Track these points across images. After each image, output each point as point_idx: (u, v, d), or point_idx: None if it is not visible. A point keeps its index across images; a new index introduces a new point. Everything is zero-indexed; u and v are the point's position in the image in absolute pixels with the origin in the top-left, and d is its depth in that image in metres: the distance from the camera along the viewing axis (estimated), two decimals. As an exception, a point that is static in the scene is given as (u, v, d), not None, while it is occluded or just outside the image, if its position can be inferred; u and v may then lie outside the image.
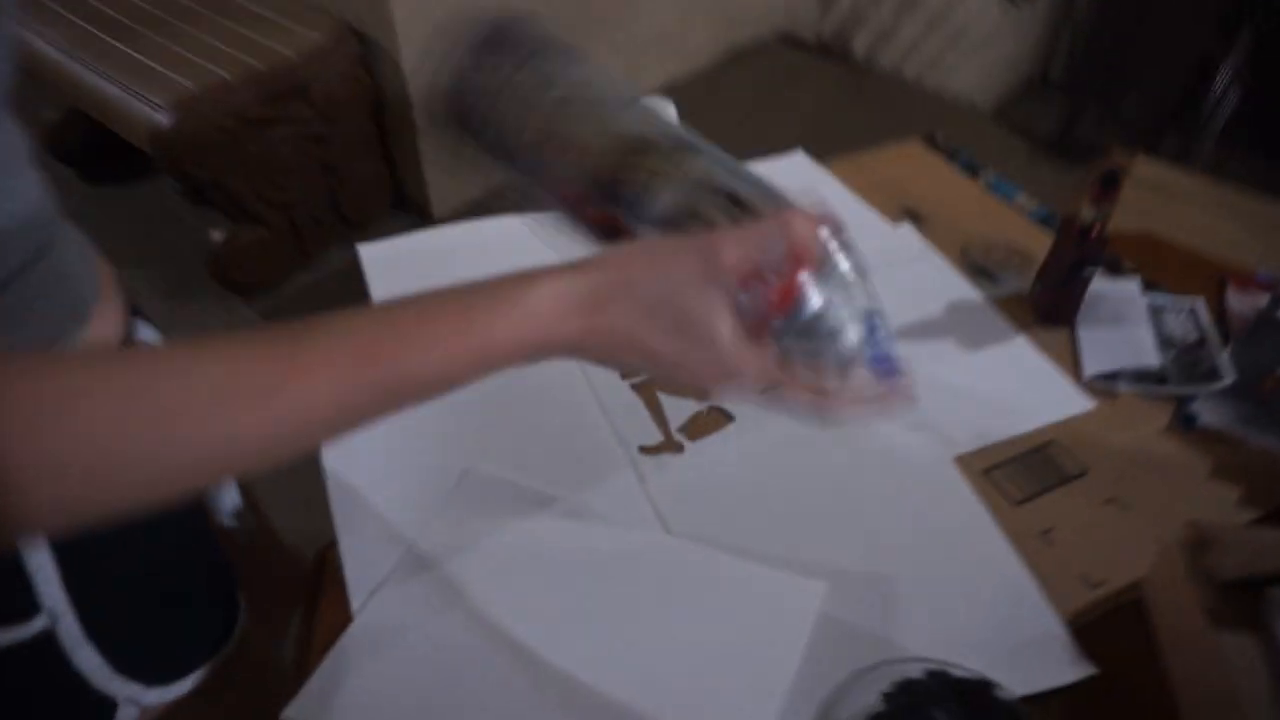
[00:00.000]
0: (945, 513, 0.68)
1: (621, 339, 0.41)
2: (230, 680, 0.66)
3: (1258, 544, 0.60)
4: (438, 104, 0.47)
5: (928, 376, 0.80)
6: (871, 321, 0.45)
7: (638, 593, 0.63)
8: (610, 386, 0.78)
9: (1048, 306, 0.84)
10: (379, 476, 0.71)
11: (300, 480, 0.67)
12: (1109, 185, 0.76)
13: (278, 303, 2.05)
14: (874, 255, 0.90)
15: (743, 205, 0.43)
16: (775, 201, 0.44)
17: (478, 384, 0.40)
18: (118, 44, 1.88)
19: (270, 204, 1.96)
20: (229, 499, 0.67)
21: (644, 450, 0.73)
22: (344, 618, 0.62)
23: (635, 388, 0.78)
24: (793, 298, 0.42)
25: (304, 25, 1.94)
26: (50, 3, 2.00)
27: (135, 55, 1.85)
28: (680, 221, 0.44)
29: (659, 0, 2.53)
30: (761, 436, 0.74)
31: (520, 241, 0.94)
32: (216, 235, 1.96)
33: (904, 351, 0.72)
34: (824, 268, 0.43)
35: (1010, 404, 0.77)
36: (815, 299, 0.43)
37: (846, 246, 0.45)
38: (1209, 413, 0.74)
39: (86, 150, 2.29)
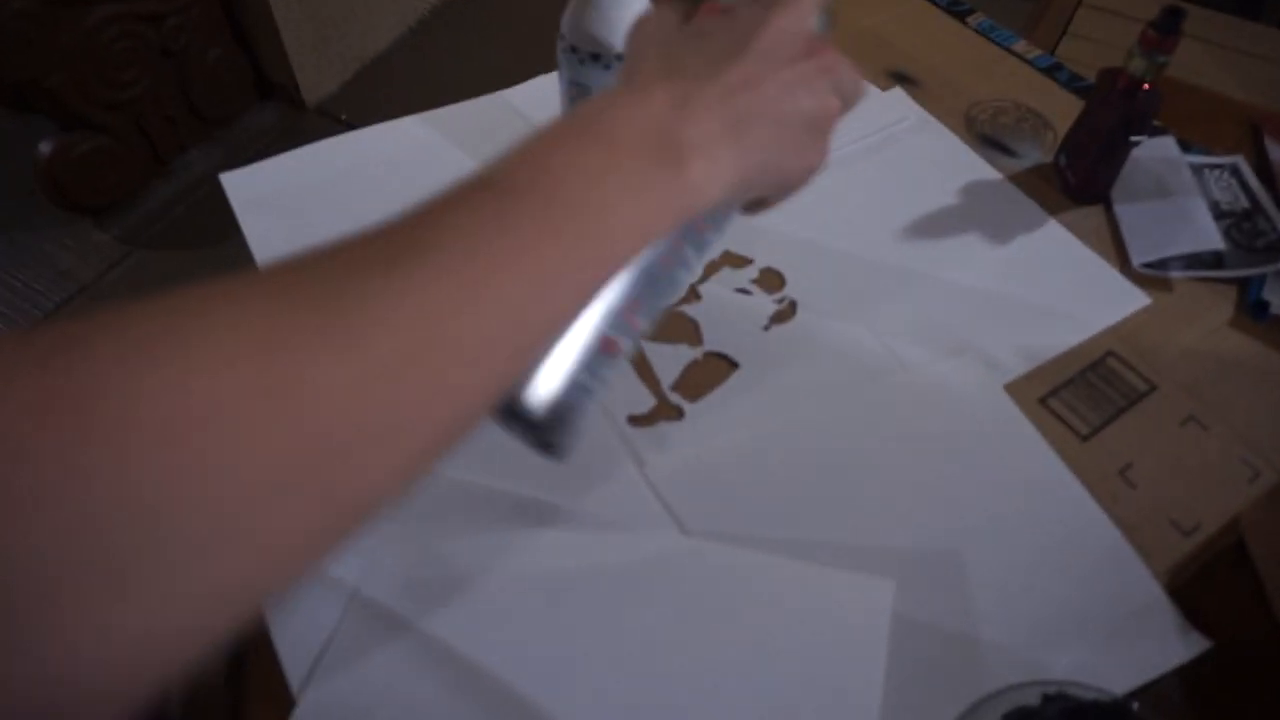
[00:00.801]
0: (1008, 463, 0.57)
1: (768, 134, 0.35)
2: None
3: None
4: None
5: (954, 283, 0.68)
6: None
7: (660, 616, 0.50)
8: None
9: (1080, 181, 0.71)
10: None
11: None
12: (1168, 28, 0.61)
13: (138, 221, 1.76)
14: (865, 129, 0.76)
15: None
16: None
17: None
18: None
19: (105, 104, 1.64)
20: None
21: (634, 421, 0.58)
22: (280, 695, 0.48)
23: (610, 338, 0.62)
24: None
25: (104, -128, 1.56)
26: None
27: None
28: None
29: None
30: (773, 383, 0.60)
31: (424, 149, 0.75)
32: (45, 148, 1.64)
33: (922, 252, 0.69)
34: None
35: (1057, 308, 0.64)
36: None
37: None
38: (1279, 297, 0.64)
39: None
